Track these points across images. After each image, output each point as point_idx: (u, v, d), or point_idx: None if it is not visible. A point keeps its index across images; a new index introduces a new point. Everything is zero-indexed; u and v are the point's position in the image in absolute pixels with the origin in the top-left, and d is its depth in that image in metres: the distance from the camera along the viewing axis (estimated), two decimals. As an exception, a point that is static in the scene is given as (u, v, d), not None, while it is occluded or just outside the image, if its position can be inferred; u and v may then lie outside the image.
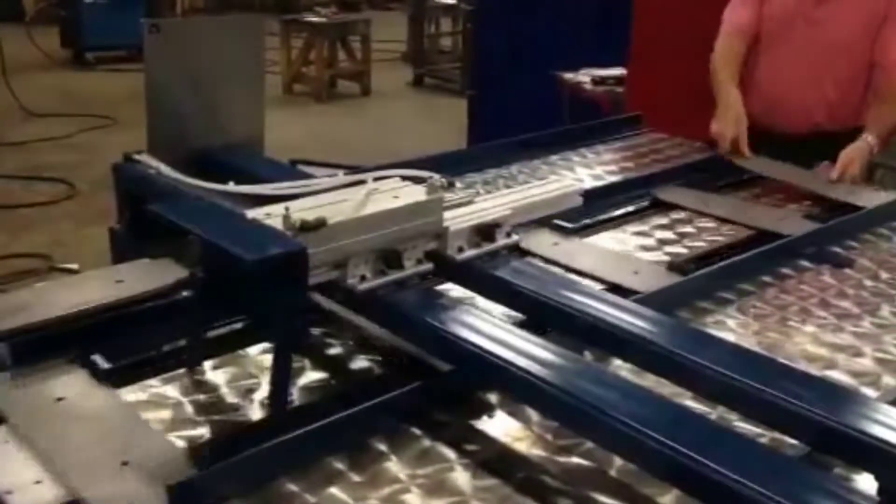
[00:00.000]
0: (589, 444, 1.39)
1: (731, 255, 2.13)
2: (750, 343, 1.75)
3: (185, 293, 1.59)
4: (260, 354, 1.66)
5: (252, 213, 1.59)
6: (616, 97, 5.01)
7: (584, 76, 5.37)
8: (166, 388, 1.56)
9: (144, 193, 2.00)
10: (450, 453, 1.39)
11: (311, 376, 1.61)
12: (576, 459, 1.39)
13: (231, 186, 1.91)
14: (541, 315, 1.68)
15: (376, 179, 1.77)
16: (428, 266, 1.71)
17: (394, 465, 1.36)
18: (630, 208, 2.50)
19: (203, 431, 1.44)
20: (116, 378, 1.56)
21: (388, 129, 8.30)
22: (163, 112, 2.20)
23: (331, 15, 10.16)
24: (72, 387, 1.47)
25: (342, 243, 1.57)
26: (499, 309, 1.76)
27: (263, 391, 1.54)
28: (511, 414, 1.50)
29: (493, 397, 1.54)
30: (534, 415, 1.48)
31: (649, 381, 1.51)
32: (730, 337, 1.77)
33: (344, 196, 1.69)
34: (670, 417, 1.28)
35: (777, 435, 1.41)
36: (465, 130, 6.56)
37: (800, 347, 1.76)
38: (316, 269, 1.53)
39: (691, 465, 1.17)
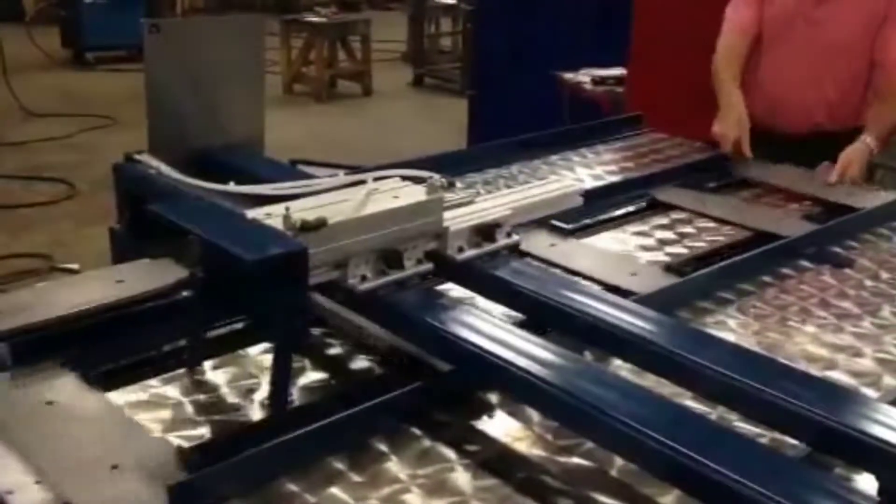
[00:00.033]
0: (589, 445, 1.39)
1: (731, 255, 2.13)
2: (750, 343, 1.75)
3: (185, 293, 1.59)
4: (260, 354, 1.66)
5: (252, 213, 1.59)
6: (616, 97, 5.01)
7: (585, 76, 5.37)
8: (166, 389, 1.56)
9: (145, 193, 2.00)
10: (450, 453, 1.39)
11: (312, 376, 1.61)
12: (576, 459, 1.39)
13: (231, 186, 1.91)
14: (541, 315, 1.68)
15: (376, 179, 1.77)
16: (428, 266, 1.71)
17: (394, 466, 1.36)
18: (630, 208, 2.50)
19: (203, 431, 1.44)
20: (114, 379, 1.56)
21: (389, 129, 8.30)
22: (163, 112, 2.20)
23: (331, 15, 10.16)
24: (62, 390, 1.45)
25: (342, 243, 1.57)
26: (499, 309, 1.76)
27: (264, 391, 1.54)
28: (511, 414, 1.50)
29: (493, 397, 1.54)
30: (534, 415, 1.48)
31: (649, 381, 1.51)
32: (730, 337, 1.77)
33: (344, 196, 1.69)
34: (671, 417, 1.28)
35: (777, 435, 1.41)
36: (466, 130, 6.56)
37: (800, 347, 1.76)
38: (316, 269, 1.53)
39: (692, 465, 1.17)
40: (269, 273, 1.40)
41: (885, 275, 2.11)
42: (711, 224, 2.40)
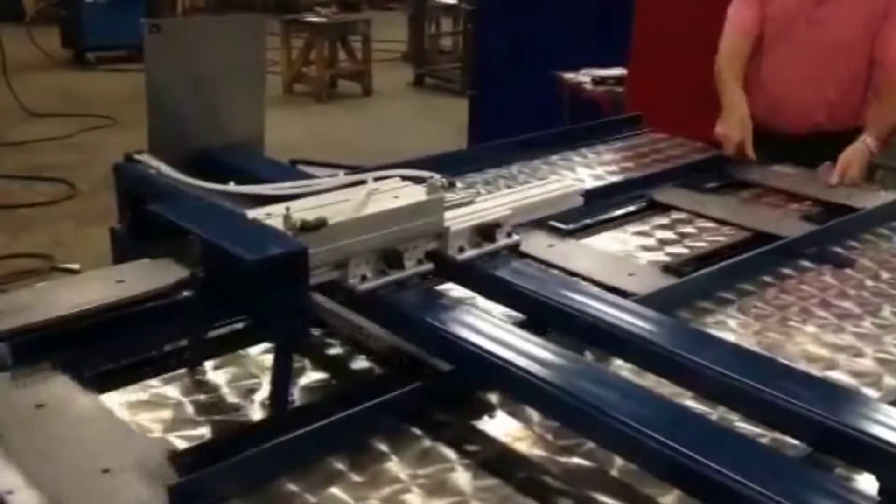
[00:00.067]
0: (590, 445, 1.39)
1: (731, 255, 2.12)
2: (750, 343, 1.74)
3: (185, 293, 1.59)
4: (261, 354, 1.66)
5: (253, 213, 1.59)
6: (616, 97, 5.01)
7: (585, 76, 5.37)
8: (167, 389, 1.56)
9: (145, 193, 2.00)
10: (450, 453, 1.39)
11: (312, 376, 1.61)
12: (576, 459, 1.39)
13: (231, 186, 1.91)
14: (541, 315, 1.68)
15: (377, 179, 1.77)
16: (428, 266, 1.71)
17: (394, 466, 1.36)
18: (631, 208, 2.50)
19: (204, 431, 1.44)
20: (114, 379, 1.56)
21: (389, 129, 8.30)
22: (163, 112, 2.20)
23: (331, 15, 10.17)
24: (54, 393, 1.44)
25: (343, 243, 1.57)
26: (499, 309, 1.76)
27: (264, 391, 1.54)
28: (511, 414, 1.50)
29: (493, 397, 1.54)
30: (534, 415, 1.48)
31: (650, 381, 1.51)
32: (730, 337, 1.77)
33: (344, 196, 1.69)
34: (671, 418, 1.28)
35: (778, 435, 1.41)
36: (466, 130, 6.56)
37: (800, 348, 1.76)
38: (316, 269, 1.53)
39: (692, 465, 1.17)
40: (269, 273, 1.40)
41: (885, 275, 2.11)
42: (712, 224, 2.40)
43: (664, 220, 2.43)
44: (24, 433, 1.34)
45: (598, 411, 1.28)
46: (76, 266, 4.63)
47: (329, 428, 1.35)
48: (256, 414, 1.50)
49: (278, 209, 1.57)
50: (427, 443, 1.42)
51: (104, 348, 1.58)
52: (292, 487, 1.30)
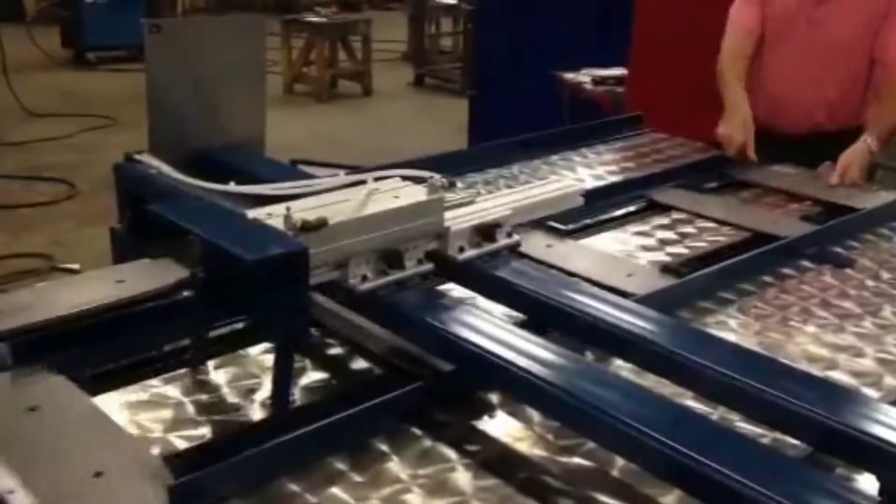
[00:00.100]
0: (590, 445, 1.39)
1: (731, 255, 2.12)
2: (751, 343, 1.74)
3: (185, 293, 1.59)
4: (261, 354, 1.66)
5: (253, 213, 1.59)
6: (617, 97, 5.01)
7: (585, 76, 5.37)
8: (167, 389, 1.56)
9: (145, 193, 2.00)
10: (451, 453, 1.39)
11: (312, 376, 1.61)
12: (577, 460, 1.39)
13: (232, 186, 1.91)
14: (541, 315, 1.68)
15: (377, 179, 1.77)
16: (429, 266, 1.71)
17: (395, 465, 1.36)
18: (631, 208, 2.50)
19: (204, 431, 1.44)
20: (114, 379, 1.56)
21: (389, 129, 8.30)
22: (163, 112, 2.20)
23: (331, 15, 10.17)
24: (46, 395, 1.42)
25: (343, 243, 1.57)
26: (500, 309, 1.75)
27: (264, 391, 1.54)
28: (512, 414, 1.50)
29: (494, 397, 1.54)
30: (535, 415, 1.48)
31: (650, 381, 1.51)
32: (731, 337, 1.76)
33: (345, 196, 1.69)
34: (672, 418, 1.28)
35: (778, 435, 1.41)
36: (466, 130, 6.56)
37: (801, 348, 1.76)
38: (317, 269, 1.53)
39: (693, 465, 1.17)
40: (269, 273, 1.40)
41: (886, 275, 2.11)
42: (712, 224, 2.40)
43: (664, 220, 2.43)
44: (17, 436, 1.33)
45: (598, 411, 1.28)
46: (76, 266, 4.63)
47: (329, 428, 1.35)
48: (257, 414, 1.50)
49: (279, 209, 1.57)
50: (427, 443, 1.42)
51: (104, 348, 1.58)
52: (293, 487, 1.29)
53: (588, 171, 2.84)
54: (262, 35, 2.40)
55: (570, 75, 5.41)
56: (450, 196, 1.80)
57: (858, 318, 1.89)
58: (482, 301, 1.79)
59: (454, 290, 1.83)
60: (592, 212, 2.36)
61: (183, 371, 1.60)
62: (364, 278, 1.61)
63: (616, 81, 5.15)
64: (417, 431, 1.44)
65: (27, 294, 1.61)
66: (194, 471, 1.23)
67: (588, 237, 2.29)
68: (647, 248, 2.23)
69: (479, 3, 6.97)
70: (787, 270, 2.11)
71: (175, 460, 1.31)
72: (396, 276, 1.64)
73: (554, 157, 2.95)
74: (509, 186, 2.52)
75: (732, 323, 1.86)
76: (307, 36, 9.86)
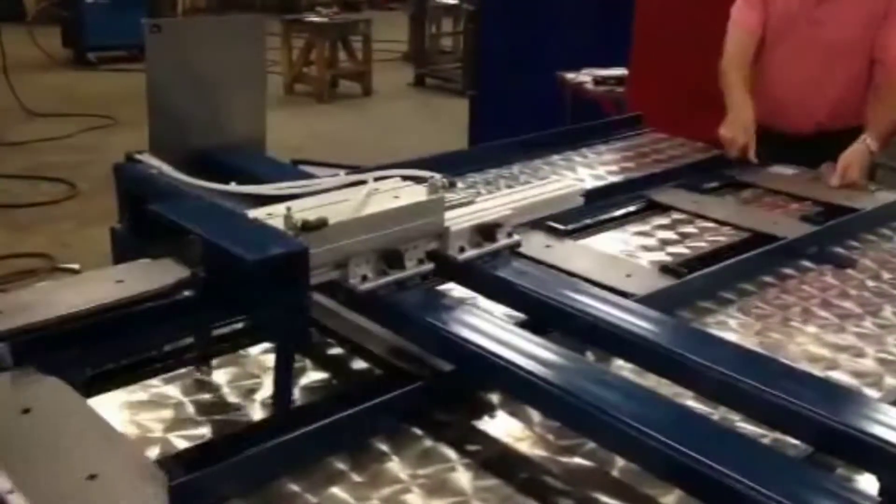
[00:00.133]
0: (591, 445, 1.39)
1: (732, 256, 2.12)
2: (752, 343, 1.74)
3: (186, 293, 1.58)
4: (261, 354, 1.66)
5: (253, 213, 1.59)
6: (618, 97, 5.01)
7: (586, 76, 5.36)
8: (167, 388, 1.56)
9: (146, 193, 1.99)
10: (451, 453, 1.39)
11: (313, 376, 1.61)
12: (577, 460, 1.39)
13: (232, 186, 1.91)
14: (542, 315, 1.68)
15: (377, 179, 1.77)
16: (429, 266, 1.71)
17: (395, 465, 1.36)
18: (632, 208, 2.50)
19: (204, 431, 1.44)
20: (114, 379, 1.56)
21: (390, 129, 8.30)
22: (164, 112, 2.20)
23: (332, 15, 10.18)
24: (40, 397, 1.40)
25: (343, 243, 1.57)
26: (500, 309, 1.75)
27: (264, 391, 1.54)
28: (512, 414, 1.50)
29: (494, 397, 1.54)
30: (535, 415, 1.48)
31: (651, 381, 1.51)
32: (731, 337, 1.76)
33: (345, 196, 1.69)
34: (672, 418, 1.28)
35: (779, 435, 1.41)
36: (467, 130, 6.56)
37: (802, 348, 1.76)
38: (317, 269, 1.53)
39: (693, 465, 1.16)
40: (270, 273, 1.40)
41: (886, 275, 2.11)
42: (713, 224, 2.39)
43: (665, 221, 2.43)
44: (9, 439, 1.31)
45: (599, 411, 1.27)
46: (76, 266, 4.63)
47: (329, 428, 1.35)
48: (257, 414, 1.50)
49: (279, 209, 1.57)
50: (428, 443, 1.42)
51: (104, 348, 1.58)
52: (293, 487, 1.29)
53: (588, 170, 2.84)
54: (262, 35, 2.40)
55: (571, 75, 5.41)
56: (450, 196, 1.79)
57: (859, 318, 1.89)
58: (483, 301, 1.79)
59: (454, 290, 1.83)
60: (592, 212, 2.36)
61: (183, 371, 1.60)
62: (364, 278, 1.61)
63: (616, 81, 5.15)
64: (418, 431, 1.44)
65: (27, 294, 1.61)
66: (194, 471, 1.23)
67: (588, 237, 2.29)
68: (647, 248, 2.23)
69: (480, 3, 6.97)
70: (787, 270, 2.11)
71: (175, 460, 1.31)
72: (396, 276, 1.64)
73: (554, 157, 2.95)
74: (509, 186, 2.52)
75: (733, 323, 1.86)
76: (308, 36, 9.87)
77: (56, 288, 1.66)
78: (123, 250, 2.02)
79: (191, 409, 1.50)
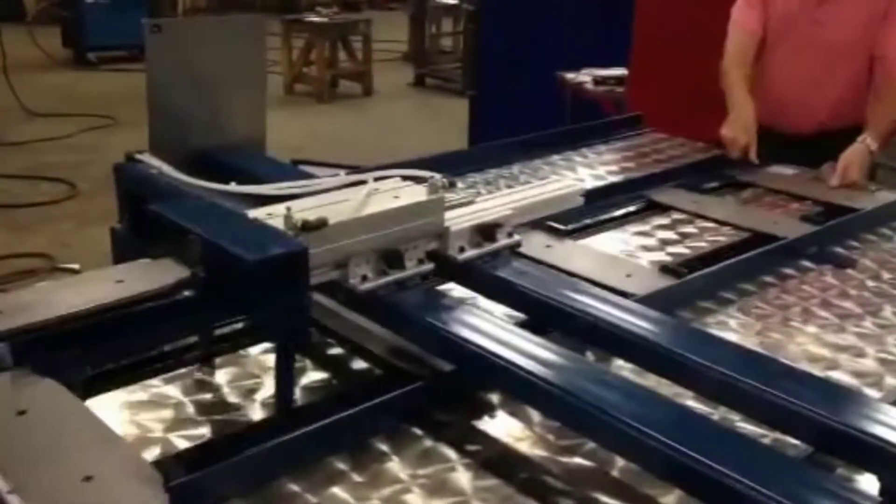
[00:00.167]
0: (591, 445, 1.39)
1: (732, 255, 2.12)
2: (752, 343, 1.74)
3: (186, 293, 1.58)
4: (261, 354, 1.66)
5: (253, 213, 1.59)
6: (618, 97, 5.01)
7: (586, 76, 5.36)
8: (167, 388, 1.56)
9: (146, 193, 1.99)
10: (451, 453, 1.39)
11: (313, 376, 1.61)
12: (577, 460, 1.39)
13: (232, 186, 1.90)
14: (542, 315, 1.68)
15: (377, 179, 1.77)
16: (429, 266, 1.71)
17: (395, 465, 1.36)
18: (632, 208, 2.50)
19: (204, 431, 1.44)
20: (114, 379, 1.56)
21: (390, 129, 8.30)
22: (164, 112, 2.20)
23: (332, 15, 10.18)
24: (35, 398, 1.39)
25: (343, 243, 1.57)
26: (500, 309, 1.75)
27: (265, 391, 1.54)
28: (512, 414, 1.50)
29: (494, 397, 1.54)
30: (535, 415, 1.48)
31: (651, 381, 1.51)
32: (732, 337, 1.76)
33: (345, 196, 1.69)
34: (672, 418, 1.28)
35: (779, 435, 1.41)
36: (467, 130, 6.56)
37: (802, 348, 1.76)
38: (317, 269, 1.53)
39: (693, 465, 1.16)
40: (270, 273, 1.40)
41: (886, 275, 2.11)
42: (713, 224, 2.39)
43: (665, 221, 2.43)
44: (5, 441, 1.30)
45: (599, 411, 1.27)
46: (76, 266, 4.63)
47: (329, 428, 1.35)
48: (257, 414, 1.50)
49: (279, 209, 1.57)
50: (428, 443, 1.42)
51: (104, 348, 1.58)
52: (293, 487, 1.29)
53: (588, 170, 2.83)
54: (262, 35, 2.40)
55: (571, 75, 5.41)
56: (450, 196, 1.79)
57: (859, 318, 1.89)
58: (483, 301, 1.79)
59: (454, 290, 1.83)
60: (592, 212, 2.36)
61: (183, 371, 1.60)
62: (364, 278, 1.61)
63: (616, 81, 5.15)
64: (418, 431, 1.44)
65: (27, 294, 1.61)
66: (194, 471, 1.23)
67: (588, 237, 2.29)
68: (647, 248, 2.23)
69: (480, 3, 6.97)
70: (787, 270, 2.11)
71: (175, 460, 1.31)
72: (396, 276, 1.64)
73: (554, 157, 2.95)
74: (509, 186, 2.52)
75: (733, 323, 1.86)
76: (308, 36, 9.87)
77: (56, 288, 1.66)
78: (123, 250, 2.02)
79: (191, 409, 1.50)
